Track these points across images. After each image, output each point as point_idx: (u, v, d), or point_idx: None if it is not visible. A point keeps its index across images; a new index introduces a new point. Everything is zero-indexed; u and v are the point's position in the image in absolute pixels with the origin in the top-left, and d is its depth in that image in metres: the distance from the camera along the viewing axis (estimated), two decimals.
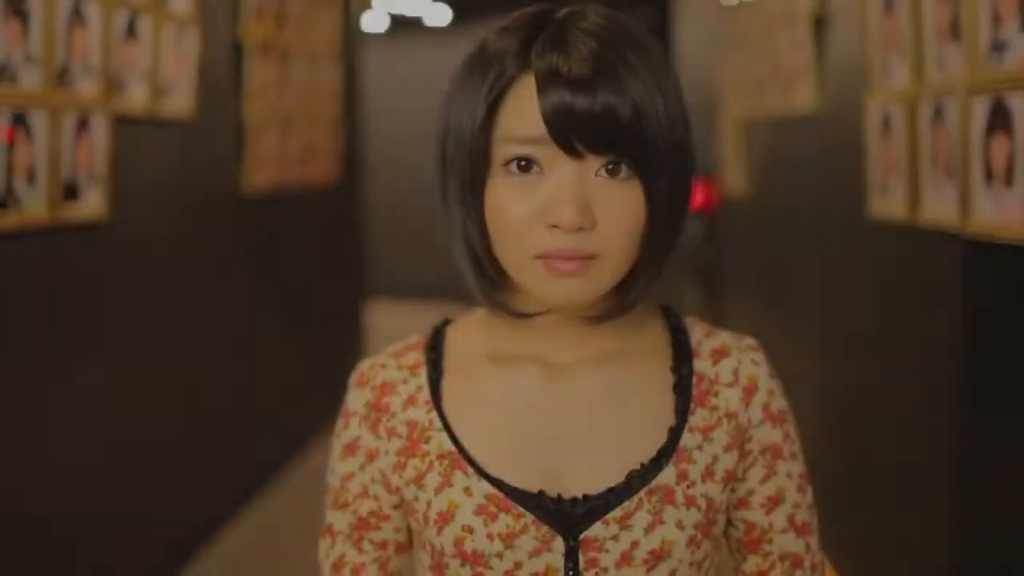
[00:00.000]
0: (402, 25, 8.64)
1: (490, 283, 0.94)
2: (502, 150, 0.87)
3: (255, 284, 4.07)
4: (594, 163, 0.85)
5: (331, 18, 4.99)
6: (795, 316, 3.67)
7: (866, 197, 2.67)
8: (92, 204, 2.66)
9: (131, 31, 2.84)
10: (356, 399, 1.02)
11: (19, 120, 2.30)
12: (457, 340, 1.02)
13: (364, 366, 1.04)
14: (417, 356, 1.02)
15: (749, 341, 1.02)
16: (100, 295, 2.80)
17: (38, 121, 2.36)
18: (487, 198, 0.89)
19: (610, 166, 0.85)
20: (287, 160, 4.35)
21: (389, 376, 1.01)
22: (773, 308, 4.05)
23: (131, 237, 2.96)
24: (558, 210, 0.84)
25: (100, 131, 2.67)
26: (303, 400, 4.67)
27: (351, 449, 1.01)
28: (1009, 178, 1.84)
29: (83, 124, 2.58)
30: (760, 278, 4.32)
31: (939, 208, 2.19)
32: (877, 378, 2.73)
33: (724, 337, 1.01)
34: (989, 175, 1.92)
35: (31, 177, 2.36)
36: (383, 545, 1.02)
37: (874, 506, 2.77)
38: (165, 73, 3.09)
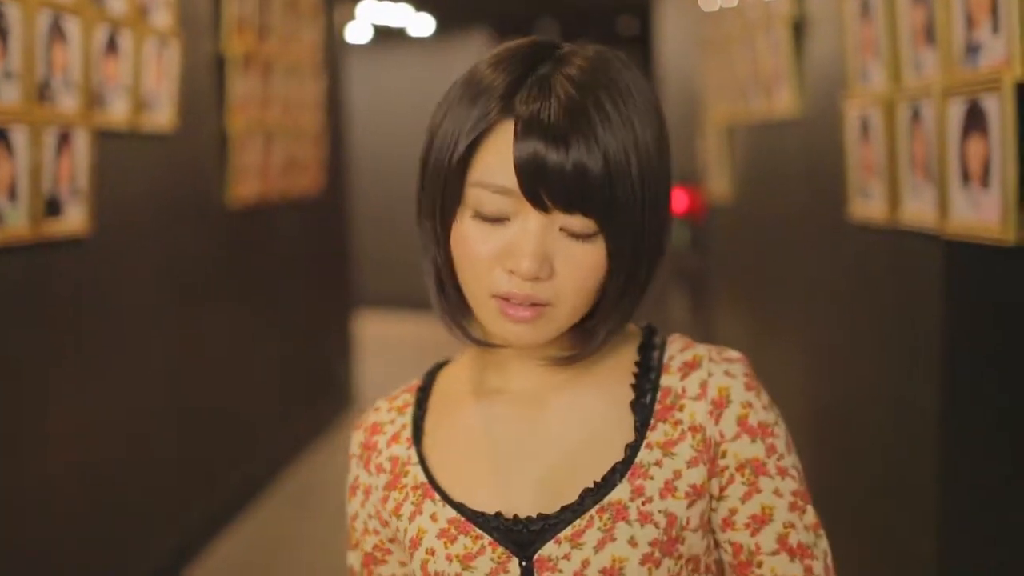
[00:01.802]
0: (386, 35, 8.65)
1: (451, 307, 0.96)
2: (474, 195, 0.88)
3: (241, 297, 4.07)
4: (560, 217, 0.85)
5: (314, 30, 5.00)
6: (779, 319, 3.68)
7: (847, 200, 2.68)
8: (74, 219, 2.66)
9: (112, 45, 2.83)
10: (354, 442, 1.07)
11: (0, 135, 2.30)
12: (444, 379, 1.06)
13: (365, 413, 1.09)
14: (408, 398, 1.06)
15: (729, 354, 0.98)
16: (83, 310, 2.79)
17: (19, 136, 2.36)
18: (455, 230, 0.90)
19: (575, 226, 0.86)
20: (271, 172, 4.35)
21: (380, 418, 1.06)
22: (758, 312, 4.06)
23: (114, 252, 2.95)
24: (517, 259, 0.86)
25: (82, 146, 2.67)
26: (292, 413, 4.66)
27: (353, 490, 1.05)
28: (985, 179, 1.86)
29: (64, 139, 2.57)
30: (745, 283, 4.33)
31: (918, 209, 2.21)
32: (860, 378, 2.74)
33: (699, 350, 0.98)
34: (966, 176, 1.93)
35: (12, 193, 2.36)
36: None
37: (860, 506, 2.78)
38: (147, 87, 3.09)
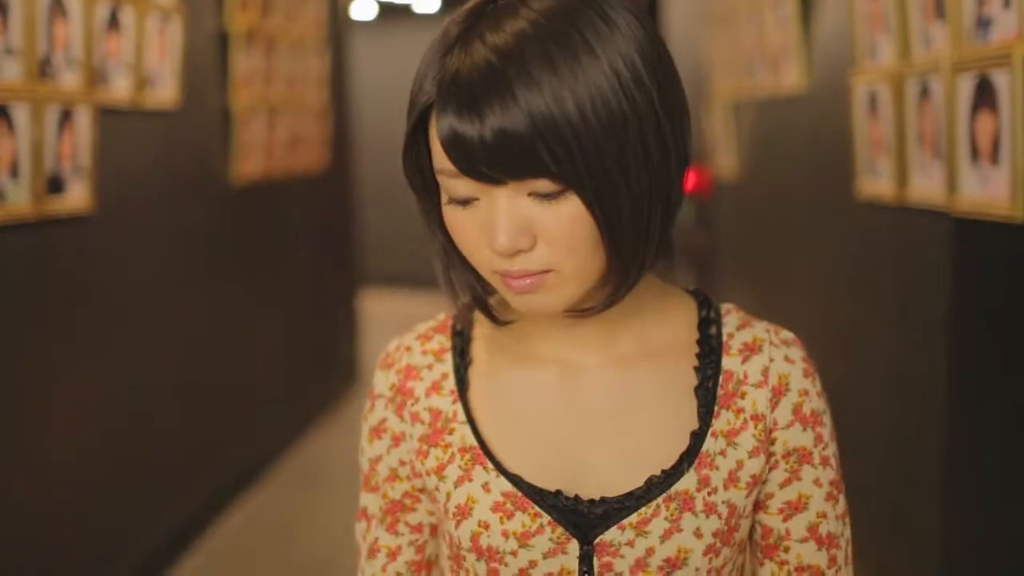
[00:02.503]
0: (391, 12, 8.60)
1: (465, 285, 0.94)
2: (441, 181, 0.84)
3: (245, 275, 4.06)
4: (524, 183, 0.80)
5: (318, 5, 4.96)
6: (786, 297, 3.66)
7: (855, 177, 2.66)
8: (77, 197, 2.65)
9: (113, 22, 2.81)
10: (382, 381, 1.00)
11: (1, 113, 2.28)
12: (483, 330, 1.00)
13: (391, 347, 1.02)
14: (443, 340, 1.00)
15: (785, 335, 0.97)
16: (87, 288, 2.79)
17: (20, 114, 2.35)
18: (444, 214, 0.87)
19: (540, 187, 0.80)
20: (275, 149, 4.33)
21: (414, 360, 0.99)
22: (765, 290, 4.05)
23: (117, 229, 2.94)
24: (492, 237, 0.81)
25: (84, 123, 2.65)
26: (297, 390, 4.66)
27: (377, 432, 1.00)
28: (995, 155, 1.83)
29: (66, 116, 2.56)
30: (752, 261, 4.32)
31: (926, 186, 2.19)
32: (867, 356, 2.73)
33: (758, 330, 0.96)
34: (975, 153, 1.91)
35: (14, 170, 2.34)
36: (418, 528, 1.00)
37: (866, 484, 2.78)
38: (149, 63, 3.07)
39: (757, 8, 3.73)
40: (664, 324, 0.95)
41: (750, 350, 0.94)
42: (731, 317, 0.97)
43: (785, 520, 0.93)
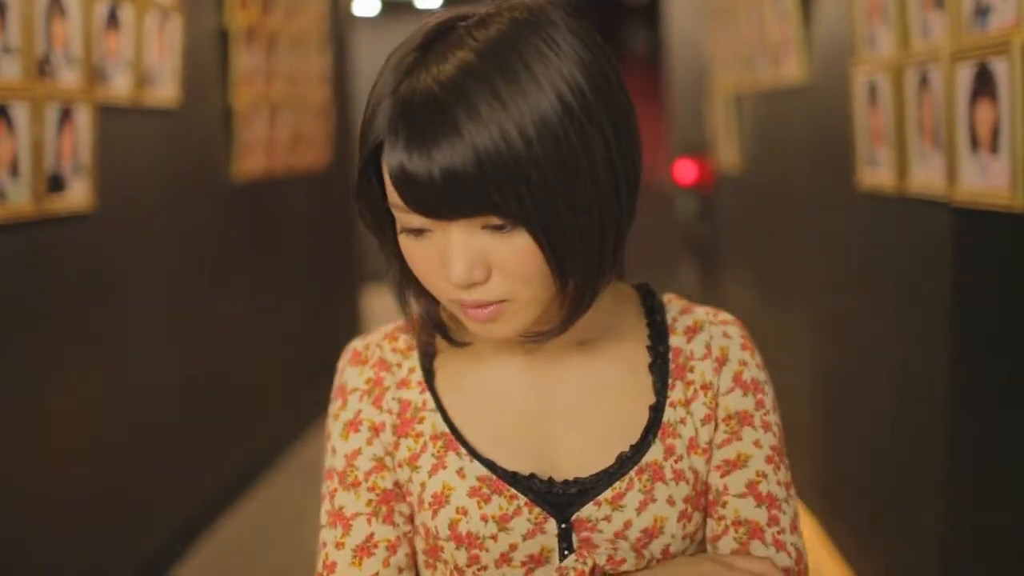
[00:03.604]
0: (394, 8, 8.60)
1: (422, 308, 0.95)
2: (395, 213, 0.84)
3: (247, 273, 4.07)
4: (474, 218, 0.80)
5: (319, 2, 4.96)
6: (788, 289, 3.66)
7: (855, 168, 2.66)
8: (78, 195, 2.65)
9: (113, 20, 2.81)
10: (355, 376, 1.00)
11: (0, 112, 2.28)
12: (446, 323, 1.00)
13: (358, 345, 1.03)
14: (408, 339, 1.01)
15: (724, 316, 1.02)
16: (88, 287, 2.79)
17: (20, 113, 2.35)
18: (400, 244, 0.87)
19: (491, 221, 0.80)
20: (276, 146, 4.33)
21: (385, 355, 1.01)
22: (767, 282, 4.04)
23: (118, 228, 2.95)
24: (447, 270, 0.82)
25: (84, 121, 2.65)
26: (299, 388, 4.67)
27: (353, 425, 0.98)
28: (994, 145, 1.83)
29: (66, 115, 2.56)
30: (754, 253, 4.31)
31: (926, 177, 2.18)
32: (868, 347, 2.72)
33: (698, 313, 1.01)
34: (975, 142, 1.91)
35: (14, 169, 2.35)
36: (410, 519, 0.97)
37: (867, 473, 2.77)
38: (149, 61, 3.07)
39: (757, 1, 3.72)
40: (616, 312, 0.99)
41: (693, 331, 0.99)
42: (673, 304, 1.02)
43: (723, 476, 0.95)
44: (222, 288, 3.79)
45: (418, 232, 0.84)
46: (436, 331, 0.96)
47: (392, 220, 0.87)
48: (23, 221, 2.41)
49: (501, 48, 0.79)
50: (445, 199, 0.78)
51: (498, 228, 0.80)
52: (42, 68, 2.44)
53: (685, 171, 5.45)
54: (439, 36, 0.82)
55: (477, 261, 0.82)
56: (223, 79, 3.80)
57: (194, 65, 3.48)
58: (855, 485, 2.89)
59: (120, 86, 2.89)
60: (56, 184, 2.54)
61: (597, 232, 0.83)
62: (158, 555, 3.20)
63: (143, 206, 3.13)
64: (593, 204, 0.82)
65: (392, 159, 0.79)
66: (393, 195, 0.82)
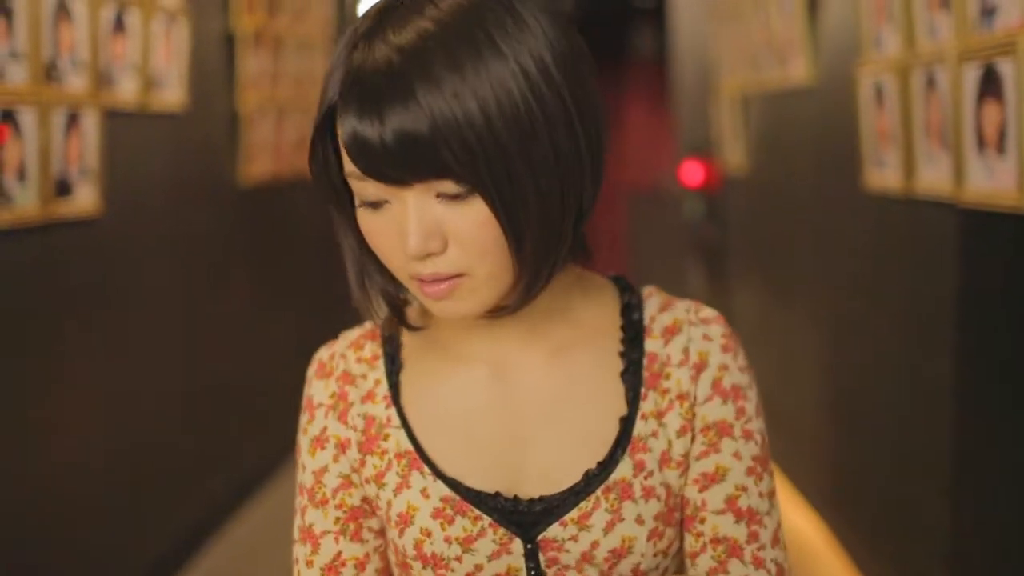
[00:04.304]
0: None
1: (381, 291, 0.94)
2: (351, 184, 0.83)
3: (254, 275, 4.07)
4: (431, 184, 0.79)
5: (325, 5, 4.97)
6: (795, 290, 3.65)
7: (861, 169, 2.65)
8: (85, 200, 2.66)
9: (119, 24, 2.82)
10: (321, 390, 0.98)
11: (7, 117, 2.29)
12: (411, 334, 0.98)
13: (323, 356, 1.01)
14: (375, 348, 0.99)
15: (705, 313, 0.96)
16: (95, 291, 2.80)
17: (27, 117, 2.35)
18: (358, 219, 0.86)
19: (446, 189, 0.79)
20: (283, 150, 4.34)
21: (349, 367, 0.98)
22: (774, 283, 4.03)
23: (126, 232, 2.95)
24: (404, 240, 0.81)
25: (90, 126, 2.66)
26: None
27: (320, 442, 0.96)
28: (1001, 145, 1.82)
29: (73, 119, 2.57)
30: (761, 254, 4.30)
31: (933, 178, 2.18)
32: (875, 348, 2.72)
33: (678, 311, 0.95)
34: (981, 143, 1.90)
35: (21, 174, 2.35)
36: (380, 533, 0.96)
37: (873, 475, 2.76)
38: (155, 66, 3.08)
39: (763, 2, 3.72)
40: (588, 313, 0.95)
41: (671, 332, 0.94)
42: (652, 300, 0.97)
43: (701, 491, 0.91)
44: (229, 292, 3.79)
45: (375, 205, 0.82)
46: (392, 312, 0.94)
47: (351, 196, 0.86)
48: (30, 226, 2.42)
49: (462, 17, 0.78)
50: (397, 162, 0.77)
51: (454, 198, 0.79)
52: (49, 73, 2.45)
53: (691, 173, 5.44)
54: (399, 4, 0.81)
55: (433, 231, 0.80)
56: (229, 83, 3.81)
57: (200, 69, 3.48)
58: (862, 486, 2.88)
59: (127, 90, 2.90)
60: (63, 189, 2.55)
61: (557, 204, 0.81)
62: (164, 560, 3.20)
63: (150, 210, 3.14)
64: (553, 175, 0.80)
65: (345, 124, 0.78)
66: (348, 164, 0.81)
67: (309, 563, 0.96)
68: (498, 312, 0.87)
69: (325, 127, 0.83)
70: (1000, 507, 1.98)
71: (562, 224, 0.83)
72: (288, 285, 4.49)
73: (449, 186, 0.78)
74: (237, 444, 3.87)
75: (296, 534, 0.98)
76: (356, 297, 0.95)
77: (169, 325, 3.27)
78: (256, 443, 4.07)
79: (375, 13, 0.82)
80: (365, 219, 0.84)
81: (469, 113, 0.75)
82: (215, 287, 3.66)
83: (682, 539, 0.94)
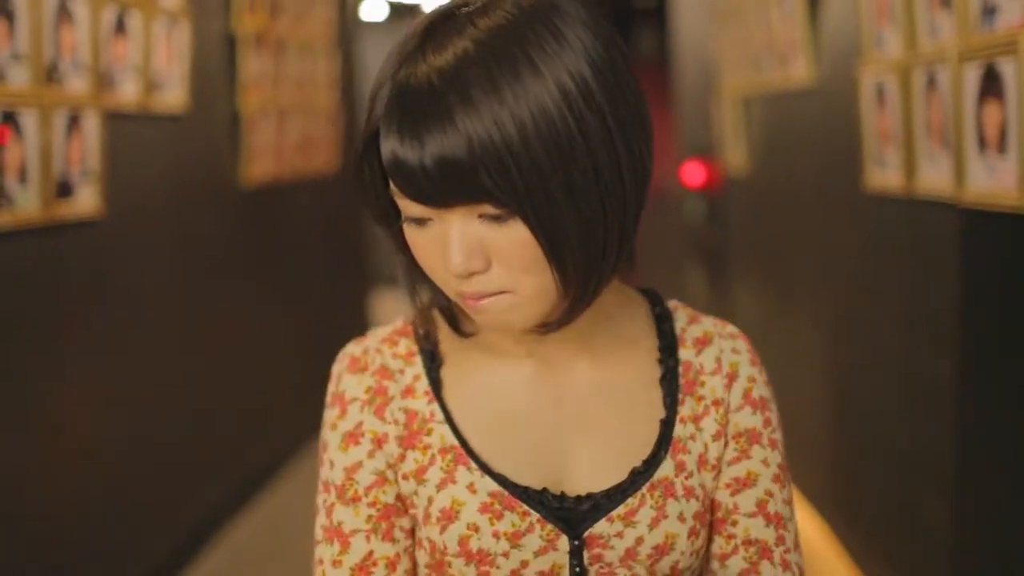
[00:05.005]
0: (401, 12, 8.61)
1: (433, 300, 0.95)
2: (398, 201, 0.84)
3: (256, 277, 4.07)
4: (471, 207, 0.79)
5: (327, 7, 4.97)
6: (796, 291, 3.65)
7: (863, 169, 2.65)
8: (86, 201, 2.66)
9: (120, 26, 2.82)
10: (355, 385, 0.96)
11: (8, 118, 2.29)
12: (449, 330, 0.98)
13: (356, 351, 0.99)
14: (409, 344, 0.98)
15: (730, 329, 1.01)
16: (97, 292, 2.80)
17: (28, 119, 2.36)
18: (405, 233, 0.86)
19: (487, 210, 0.79)
20: (285, 151, 4.34)
21: (386, 362, 0.97)
22: (775, 284, 4.03)
23: (127, 233, 2.96)
24: (447, 260, 0.81)
25: (92, 128, 2.66)
26: (308, 393, 4.67)
27: (354, 437, 0.94)
28: (1002, 145, 1.82)
29: (74, 121, 2.57)
30: (762, 255, 4.30)
31: (934, 178, 2.17)
32: (877, 349, 2.72)
33: (706, 325, 1.00)
34: (982, 143, 1.90)
35: (23, 176, 2.36)
36: (410, 533, 0.94)
37: (876, 475, 2.76)
38: (157, 67, 3.08)
39: (764, 2, 3.72)
40: (625, 320, 0.98)
41: (702, 343, 0.98)
42: (680, 313, 1.01)
43: (733, 495, 0.95)
44: (230, 293, 3.79)
45: (420, 221, 0.83)
46: (446, 321, 0.95)
47: (399, 211, 0.86)
48: (32, 227, 2.42)
49: (502, 37, 0.78)
50: (437, 186, 0.77)
51: (495, 218, 0.79)
52: (50, 75, 2.45)
53: (693, 173, 5.44)
54: (440, 22, 0.81)
55: (475, 250, 0.80)
56: (231, 84, 3.81)
57: (202, 71, 3.49)
58: (863, 486, 2.88)
59: (128, 92, 2.90)
60: (64, 190, 2.55)
61: (599, 223, 0.81)
62: (167, 561, 3.20)
63: (151, 212, 3.14)
64: (594, 195, 0.79)
65: (386, 146, 0.79)
66: (392, 182, 0.82)
67: (337, 563, 0.92)
68: (544, 328, 0.88)
69: (372, 142, 0.84)
70: (1000, 507, 1.98)
71: (605, 242, 0.83)
72: (289, 287, 4.49)
73: (489, 208, 0.79)
74: (236, 445, 3.88)
75: (320, 534, 0.94)
76: (407, 294, 0.96)
77: (170, 326, 3.27)
78: (256, 444, 4.07)
79: (421, 30, 0.82)
80: (411, 234, 0.85)
81: (508, 137, 0.75)
82: (216, 289, 3.66)
83: (710, 542, 0.96)
